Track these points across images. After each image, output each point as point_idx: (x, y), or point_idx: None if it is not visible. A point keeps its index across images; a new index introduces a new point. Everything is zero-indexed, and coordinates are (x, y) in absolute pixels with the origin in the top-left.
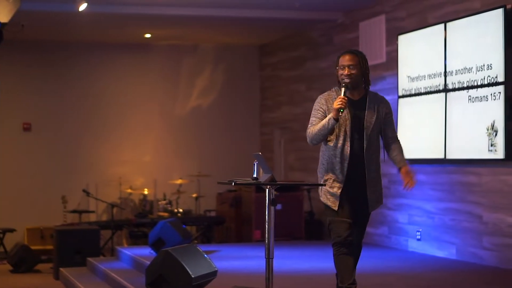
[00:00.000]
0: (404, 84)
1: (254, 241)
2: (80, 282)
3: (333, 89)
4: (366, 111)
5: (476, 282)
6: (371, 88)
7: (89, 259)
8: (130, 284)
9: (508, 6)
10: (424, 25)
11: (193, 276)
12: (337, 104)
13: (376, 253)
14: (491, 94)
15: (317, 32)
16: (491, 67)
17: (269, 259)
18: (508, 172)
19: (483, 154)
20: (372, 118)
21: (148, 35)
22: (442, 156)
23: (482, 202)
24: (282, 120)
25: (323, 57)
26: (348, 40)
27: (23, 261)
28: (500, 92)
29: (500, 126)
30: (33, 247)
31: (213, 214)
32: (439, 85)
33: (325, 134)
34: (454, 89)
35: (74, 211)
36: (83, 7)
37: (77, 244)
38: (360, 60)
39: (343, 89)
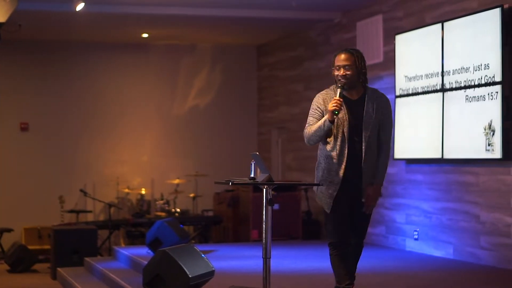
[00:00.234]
0: (401, 84)
1: (251, 241)
2: (77, 282)
3: (331, 87)
4: (364, 111)
5: (473, 282)
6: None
7: (87, 259)
8: (127, 284)
9: (505, 6)
10: (422, 24)
11: (190, 276)
12: (331, 106)
13: (374, 252)
14: (488, 94)
15: (314, 32)
16: (488, 66)
17: (266, 258)
18: (505, 172)
19: (480, 153)
20: (370, 118)
21: (145, 35)
22: (439, 156)
23: (479, 201)
24: (279, 120)
25: (320, 57)
26: (346, 40)
27: (21, 261)
28: (497, 92)
29: (497, 125)
30: (30, 247)
31: (210, 214)
32: (437, 84)
33: (321, 136)
34: (451, 89)
35: (71, 211)
36: (80, 7)
37: (74, 244)
38: (356, 59)
39: (338, 91)
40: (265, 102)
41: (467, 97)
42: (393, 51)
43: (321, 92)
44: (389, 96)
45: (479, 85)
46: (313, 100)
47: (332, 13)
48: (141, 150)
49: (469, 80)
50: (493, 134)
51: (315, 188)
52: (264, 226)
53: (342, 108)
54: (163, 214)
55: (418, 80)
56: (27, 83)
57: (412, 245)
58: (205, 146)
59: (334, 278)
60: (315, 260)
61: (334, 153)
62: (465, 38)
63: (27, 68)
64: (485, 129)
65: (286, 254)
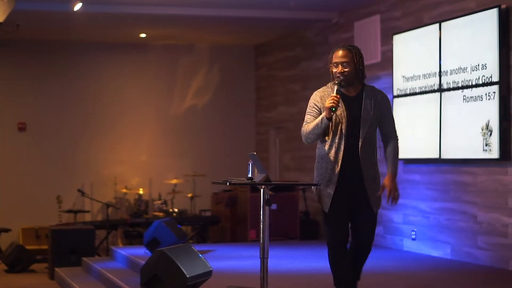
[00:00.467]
0: (399, 84)
1: (249, 241)
2: (75, 282)
3: (329, 85)
4: (362, 108)
5: (471, 282)
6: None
7: (84, 259)
8: (125, 284)
9: (503, 6)
10: (419, 25)
11: (188, 276)
12: (329, 103)
13: (372, 253)
14: (486, 94)
15: (312, 32)
16: (485, 67)
17: (263, 259)
18: (503, 172)
19: (478, 153)
20: (368, 115)
21: (143, 35)
22: (437, 156)
23: (477, 201)
24: (277, 120)
25: (318, 56)
26: (343, 40)
27: (18, 261)
28: (494, 92)
29: (495, 125)
30: (28, 247)
31: (208, 214)
32: (434, 85)
33: (319, 133)
34: (448, 89)
35: (69, 211)
36: (78, 7)
37: (72, 244)
38: (354, 56)
39: (336, 87)
40: (263, 102)
41: (464, 97)
42: (390, 51)
43: (318, 89)
44: None
45: (476, 85)
46: (310, 98)
47: (330, 13)
48: (139, 150)
49: (467, 80)
50: (491, 134)
51: (314, 188)
52: (261, 226)
53: (340, 105)
54: (161, 214)
55: (415, 80)
56: (24, 83)
57: (409, 245)
58: (203, 146)
59: (332, 278)
60: (313, 260)
61: (331, 151)
62: (463, 38)
63: (25, 68)
64: (482, 129)
65: (284, 254)
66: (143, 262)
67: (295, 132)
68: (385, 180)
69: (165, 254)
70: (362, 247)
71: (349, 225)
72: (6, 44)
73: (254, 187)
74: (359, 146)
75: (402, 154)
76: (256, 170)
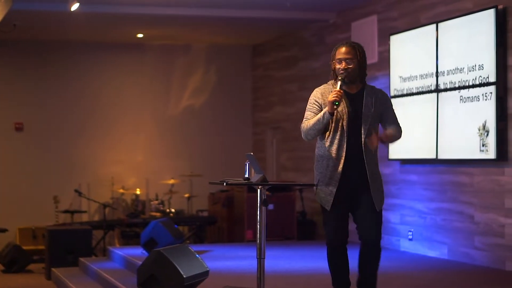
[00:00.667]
0: (396, 84)
1: (246, 241)
2: (72, 282)
3: (329, 82)
4: (363, 105)
5: (467, 282)
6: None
7: (81, 259)
8: (122, 284)
9: (500, 7)
10: (416, 25)
11: (184, 276)
12: (332, 97)
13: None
14: (483, 94)
15: (309, 32)
16: (482, 67)
17: (260, 259)
18: (500, 172)
19: (475, 154)
20: (369, 111)
21: (140, 35)
22: (433, 156)
23: (473, 202)
24: (274, 120)
25: (315, 57)
26: (340, 40)
27: (15, 261)
28: (491, 92)
29: (492, 126)
30: (25, 247)
31: (205, 214)
32: (431, 85)
33: (320, 129)
34: (445, 89)
35: (66, 211)
36: (75, 7)
37: (69, 244)
38: (357, 53)
39: (339, 83)
40: (260, 102)
41: (461, 98)
42: (387, 51)
43: (319, 87)
44: None
45: (473, 86)
46: (311, 95)
47: (326, 14)
48: (136, 150)
49: (464, 80)
50: (487, 134)
51: (314, 187)
52: (258, 226)
53: (342, 100)
54: (157, 214)
55: (412, 80)
56: (21, 83)
57: (406, 246)
58: (199, 147)
59: (328, 278)
60: (310, 260)
61: (333, 148)
62: (460, 38)
63: (22, 68)
64: (479, 130)
65: (280, 254)
66: (140, 263)
67: (292, 132)
68: (384, 133)
69: (162, 255)
70: (368, 248)
71: (352, 225)
72: (3, 44)
73: (251, 188)
74: (362, 142)
75: (398, 155)
76: (253, 170)
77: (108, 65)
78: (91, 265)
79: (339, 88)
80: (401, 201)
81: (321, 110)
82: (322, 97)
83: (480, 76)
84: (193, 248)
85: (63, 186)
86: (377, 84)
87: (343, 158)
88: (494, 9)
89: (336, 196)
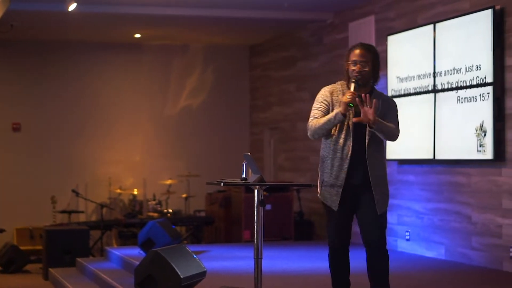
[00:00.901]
0: (393, 84)
1: (243, 242)
2: (69, 282)
3: (339, 83)
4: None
5: (465, 282)
6: None
7: (79, 259)
8: (119, 285)
9: (497, 7)
10: (414, 25)
11: (182, 277)
12: (346, 98)
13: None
14: (480, 95)
15: (307, 33)
16: (480, 67)
17: (257, 259)
18: (497, 173)
19: (472, 154)
20: (375, 112)
21: (138, 35)
22: (431, 157)
23: (471, 202)
24: (272, 120)
25: (313, 57)
26: (338, 41)
27: (12, 261)
28: (488, 93)
29: (489, 126)
30: (22, 247)
31: (202, 214)
32: (428, 85)
33: (329, 129)
34: (443, 90)
35: (63, 211)
36: (72, 7)
37: (66, 244)
38: (373, 57)
39: (353, 85)
40: (257, 103)
41: (458, 98)
42: (385, 51)
43: (327, 86)
44: None
45: (470, 86)
46: (319, 94)
47: (324, 14)
48: (133, 151)
49: (461, 81)
50: (485, 135)
51: (319, 188)
52: (255, 226)
53: (356, 103)
54: (155, 214)
55: (410, 81)
56: (19, 83)
57: (404, 246)
58: (197, 147)
59: (326, 278)
60: (307, 260)
61: (338, 147)
62: (457, 39)
63: (19, 68)
64: (476, 130)
65: (278, 255)
66: (137, 263)
67: (289, 133)
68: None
69: (159, 255)
70: (372, 251)
71: (355, 227)
72: (0, 44)
73: (248, 188)
74: (366, 144)
75: (396, 155)
76: (250, 171)
77: (105, 65)
78: (88, 265)
79: (353, 89)
80: (398, 202)
81: (329, 109)
82: (330, 95)
83: (478, 76)
84: (191, 248)
85: (61, 186)
86: None
87: (348, 158)
88: (492, 9)
89: (342, 196)
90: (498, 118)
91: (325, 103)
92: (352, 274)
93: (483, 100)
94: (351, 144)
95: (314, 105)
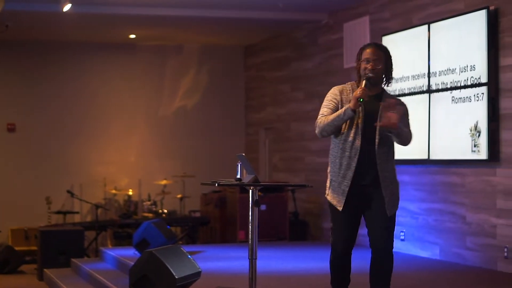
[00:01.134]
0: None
1: (238, 242)
2: (64, 283)
3: (348, 83)
4: (381, 106)
5: (459, 283)
6: None
7: (73, 260)
8: (114, 285)
9: (491, 8)
10: (408, 26)
11: (176, 277)
12: (357, 93)
13: (360, 253)
14: (474, 95)
15: (301, 33)
16: (474, 68)
17: (252, 259)
18: (491, 173)
19: (466, 154)
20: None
21: (132, 36)
22: (425, 157)
23: (465, 202)
24: (267, 120)
25: (307, 57)
26: (333, 41)
27: (7, 262)
28: (483, 93)
29: (483, 126)
30: (17, 248)
31: (197, 214)
32: (423, 86)
33: (339, 126)
34: (437, 90)
35: (58, 212)
36: (67, 7)
37: (61, 245)
38: (385, 56)
39: (364, 81)
40: (252, 103)
41: (453, 98)
42: None
43: (338, 86)
44: None
45: (465, 87)
46: (328, 92)
47: (319, 14)
48: (128, 151)
49: (455, 81)
50: (479, 135)
51: (327, 186)
52: (250, 227)
53: (367, 98)
54: (150, 215)
55: (404, 81)
56: (14, 83)
57: (398, 246)
58: (192, 147)
59: (321, 278)
60: (302, 260)
61: (346, 146)
62: (452, 39)
63: (14, 69)
64: (471, 130)
65: (273, 255)
66: (132, 263)
67: (284, 133)
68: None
69: (154, 255)
70: (378, 257)
71: (362, 230)
72: None
73: (243, 188)
74: (376, 143)
75: None
76: (244, 171)
77: (100, 65)
78: (83, 266)
79: (364, 86)
80: None
81: (338, 107)
82: (340, 94)
83: (472, 77)
84: (186, 248)
85: (56, 187)
86: None
87: (356, 157)
88: (486, 10)
89: (348, 196)
90: (493, 118)
91: (335, 102)
92: (353, 274)
93: (478, 101)
94: (360, 143)
95: (323, 103)
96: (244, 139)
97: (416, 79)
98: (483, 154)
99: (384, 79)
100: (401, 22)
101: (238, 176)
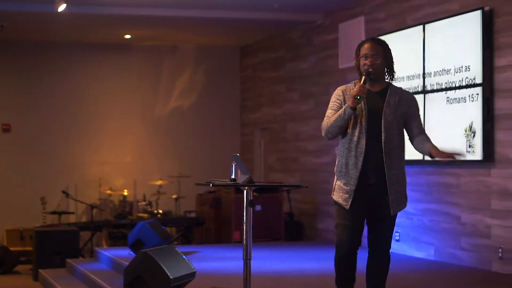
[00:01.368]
0: None
1: (233, 242)
2: (59, 283)
3: (353, 82)
4: (385, 103)
5: (454, 283)
6: None
7: (68, 260)
8: (108, 285)
9: (486, 8)
10: (403, 26)
11: (171, 277)
12: (354, 91)
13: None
14: (469, 96)
15: (296, 33)
16: (469, 68)
17: (247, 260)
18: (486, 173)
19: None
20: (391, 110)
21: (128, 36)
22: (420, 157)
23: (460, 203)
24: (262, 121)
25: (302, 58)
26: (328, 41)
27: (2, 262)
28: (478, 94)
29: (478, 127)
30: (12, 248)
31: (193, 215)
32: (418, 86)
33: (341, 126)
34: (432, 91)
35: (53, 212)
36: (62, 7)
37: (56, 245)
38: (384, 50)
39: (363, 78)
40: (248, 103)
41: (448, 99)
42: None
43: (342, 85)
44: None
45: (460, 87)
46: (333, 94)
47: (314, 15)
48: (124, 151)
49: (450, 82)
50: (474, 135)
51: (334, 184)
52: (244, 227)
53: (365, 95)
54: (145, 215)
55: (399, 81)
56: (9, 84)
57: (393, 246)
58: (187, 147)
59: (316, 278)
60: (297, 261)
61: (352, 146)
62: (446, 40)
63: (9, 69)
64: (465, 131)
65: (268, 255)
66: (127, 264)
67: (280, 133)
68: (435, 151)
69: (149, 255)
70: (376, 255)
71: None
72: None
73: (238, 189)
74: (382, 141)
75: None
76: (239, 171)
77: (95, 66)
78: (78, 266)
79: (363, 83)
80: None
81: (342, 107)
82: (343, 94)
83: (467, 77)
84: (181, 249)
85: (51, 187)
86: None
87: (362, 156)
88: (481, 10)
89: (355, 196)
90: (488, 119)
91: (338, 102)
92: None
93: (473, 101)
94: (365, 141)
95: (329, 105)
96: (240, 139)
97: (411, 79)
98: (478, 155)
99: (386, 74)
100: (396, 23)
101: (233, 177)
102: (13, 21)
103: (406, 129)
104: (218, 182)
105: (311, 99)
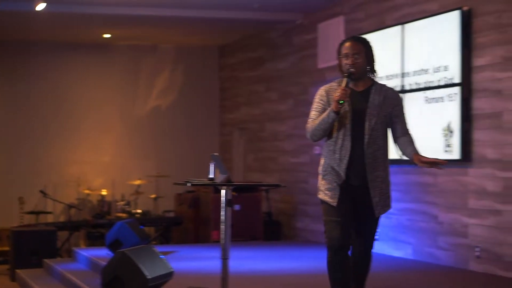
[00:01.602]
0: None
1: (211, 242)
2: (36, 283)
3: (336, 80)
4: (369, 102)
5: (431, 282)
6: None
7: (46, 260)
8: (86, 286)
9: (465, 8)
10: (382, 26)
11: (148, 277)
12: (336, 95)
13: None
14: (447, 95)
15: (276, 33)
16: (447, 68)
17: (224, 259)
18: (464, 173)
19: (439, 154)
20: (375, 110)
21: (107, 35)
22: (398, 157)
23: (437, 202)
24: (241, 120)
25: (281, 58)
26: (307, 41)
27: None
28: (456, 94)
29: (456, 127)
30: None
31: (171, 215)
32: (396, 86)
33: (326, 129)
34: (411, 90)
35: (31, 212)
36: (41, 6)
37: (33, 245)
38: (365, 48)
39: (344, 80)
40: (226, 103)
41: (426, 99)
42: None
43: (325, 85)
44: None
45: (438, 87)
46: (316, 94)
47: (293, 15)
48: (102, 151)
49: (429, 81)
50: (452, 135)
51: (319, 184)
52: (222, 227)
53: (348, 99)
54: (123, 215)
55: (378, 81)
56: None
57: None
58: (166, 147)
59: (293, 278)
60: (276, 261)
61: (336, 147)
62: (425, 40)
63: None
64: (444, 130)
65: (246, 255)
66: (105, 264)
67: (258, 133)
68: (418, 160)
69: (126, 255)
70: (359, 255)
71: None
72: None
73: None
74: (365, 143)
75: None
76: (217, 171)
77: (74, 65)
78: (55, 266)
79: (346, 85)
80: None
81: (326, 108)
82: (326, 94)
83: (445, 77)
84: (159, 249)
85: (29, 187)
86: None
87: (347, 158)
88: (459, 10)
89: (341, 193)
90: (466, 119)
91: (322, 103)
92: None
93: (451, 101)
94: (350, 143)
95: (312, 106)
96: (219, 139)
97: (389, 79)
98: (455, 154)
99: (369, 72)
100: (375, 23)
101: (211, 176)
102: None
103: (390, 129)
104: (196, 181)
105: (290, 99)
